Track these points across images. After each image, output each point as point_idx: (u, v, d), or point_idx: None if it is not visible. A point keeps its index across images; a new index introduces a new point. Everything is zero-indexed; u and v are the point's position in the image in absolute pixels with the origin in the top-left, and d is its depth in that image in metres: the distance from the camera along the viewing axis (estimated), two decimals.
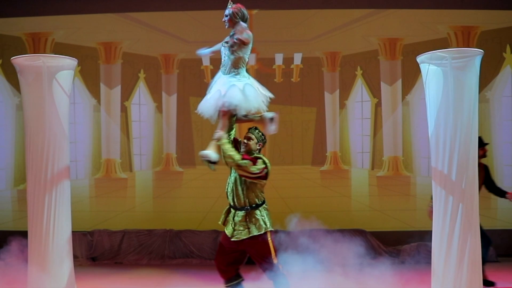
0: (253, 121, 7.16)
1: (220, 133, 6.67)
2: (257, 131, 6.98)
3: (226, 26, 7.00)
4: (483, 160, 8.38)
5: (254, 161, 6.66)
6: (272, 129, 7.12)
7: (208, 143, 7.20)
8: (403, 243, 10.86)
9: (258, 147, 6.90)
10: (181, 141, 11.50)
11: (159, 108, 11.61)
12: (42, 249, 6.48)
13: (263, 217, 6.77)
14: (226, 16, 6.98)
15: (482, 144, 8.81)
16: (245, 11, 7.06)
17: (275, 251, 6.76)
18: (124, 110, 11.61)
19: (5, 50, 11.38)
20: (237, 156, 6.59)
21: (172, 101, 11.53)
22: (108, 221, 11.32)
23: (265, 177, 6.73)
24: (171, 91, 11.58)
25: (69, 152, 6.85)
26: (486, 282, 7.39)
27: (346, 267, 10.24)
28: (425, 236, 8.95)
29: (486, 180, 8.80)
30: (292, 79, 11.51)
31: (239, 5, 7.03)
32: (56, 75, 6.59)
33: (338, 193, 11.38)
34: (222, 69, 7.07)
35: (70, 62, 6.80)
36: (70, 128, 7.13)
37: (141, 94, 11.66)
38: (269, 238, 6.73)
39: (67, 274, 6.63)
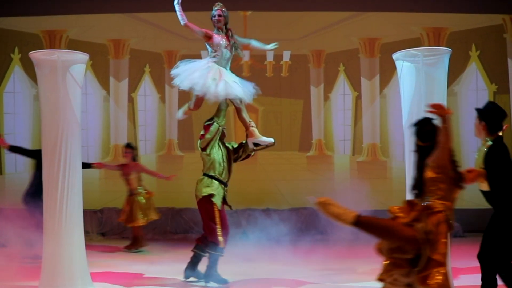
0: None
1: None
2: None
3: (217, 24, 7.06)
4: None
5: None
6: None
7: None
8: None
9: None
10: (182, 128, 11.49)
11: (162, 99, 11.60)
12: (56, 224, 6.48)
13: None
14: (224, 17, 7.06)
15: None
16: None
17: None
18: (131, 100, 11.61)
19: (24, 45, 11.34)
20: None
21: (174, 93, 11.52)
22: (116, 200, 11.29)
23: None
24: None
25: (81, 138, 6.83)
26: None
27: (330, 241, 10.32)
28: None
29: None
30: (281, 74, 11.51)
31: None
32: (69, 69, 6.56)
33: (322, 176, 11.41)
34: (226, 64, 7.10)
35: (82, 57, 6.77)
36: (82, 116, 7.10)
37: (146, 86, 11.65)
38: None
39: (79, 247, 6.65)
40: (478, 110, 5.44)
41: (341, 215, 3.15)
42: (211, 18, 7.17)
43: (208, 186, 7.02)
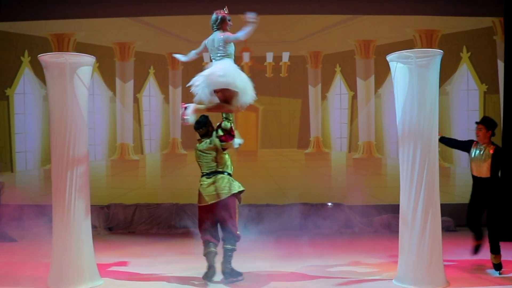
0: None
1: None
2: None
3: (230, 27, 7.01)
4: None
5: None
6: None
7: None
8: (375, 216, 10.90)
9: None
10: (185, 128, 11.47)
11: (166, 99, 11.59)
12: (65, 220, 6.49)
13: None
14: (230, 20, 7.00)
15: None
16: None
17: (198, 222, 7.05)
18: (136, 101, 11.59)
19: (34, 48, 11.34)
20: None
21: (178, 93, 11.51)
22: (122, 196, 11.33)
23: None
24: (177, 85, 11.56)
25: (88, 137, 6.83)
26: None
27: (327, 235, 10.32)
28: (394, 209, 8.99)
29: None
30: (280, 74, 11.50)
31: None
32: (77, 71, 6.56)
33: (320, 173, 11.40)
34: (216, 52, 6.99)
35: (89, 59, 6.77)
36: (89, 116, 7.10)
37: (151, 87, 11.63)
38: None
39: (86, 242, 6.65)
40: (486, 122, 7.27)
41: None
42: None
43: (234, 182, 6.91)
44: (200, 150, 7.04)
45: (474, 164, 7.30)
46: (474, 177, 7.39)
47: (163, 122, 11.58)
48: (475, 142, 7.34)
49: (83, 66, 6.66)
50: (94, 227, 7.70)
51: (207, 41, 7.01)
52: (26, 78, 11.51)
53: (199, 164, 7.07)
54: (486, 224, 7.27)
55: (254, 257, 7.83)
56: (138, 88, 11.60)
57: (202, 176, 7.01)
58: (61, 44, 11.43)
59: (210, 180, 6.90)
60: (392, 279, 6.79)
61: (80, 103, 6.58)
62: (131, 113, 11.53)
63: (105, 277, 6.91)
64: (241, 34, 6.71)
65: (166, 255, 8.62)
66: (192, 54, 7.25)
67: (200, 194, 6.97)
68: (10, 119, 11.51)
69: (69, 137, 6.49)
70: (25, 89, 11.52)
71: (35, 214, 9.40)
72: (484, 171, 7.23)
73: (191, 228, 10.70)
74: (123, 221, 11.03)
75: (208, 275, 6.77)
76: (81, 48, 11.07)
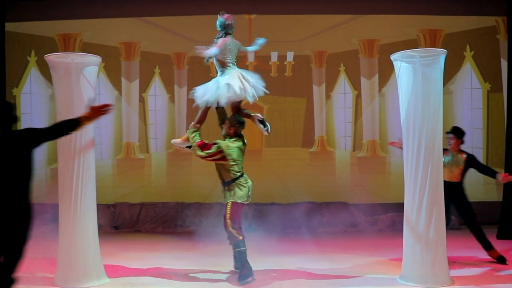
0: (250, 117, 7.14)
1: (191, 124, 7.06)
2: (233, 117, 7.01)
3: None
4: None
5: (209, 146, 6.75)
6: (261, 129, 7.00)
7: (212, 129, 7.25)
8: (380, 214, 10.89)
9: (231, 131, 6.94)
10: None
11: (171, 99, 11.59)
12: (71, 218, 6.50)
13: (230, 191, 6.85)
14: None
15: None
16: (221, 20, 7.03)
17: (231, 219, 6.77)
18: (142, 100, 11.60)
19: (40, 48, 11.35)
20: (194, 141, 6.85)
21: (183, 93, 11.51)
22: (128, 195, 11.33)
23: (223, 158, 6.75)
24: (182, 84, 11.56)
25: (94, 136, 6.84)
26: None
27: (331, 233, 10.32)
28: (398, 207, 8.98)
29: None
30: (285, 74, 11.49)
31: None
32: (83, 70, 6.57)
33: (324, 171, 11.39)
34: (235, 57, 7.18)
35: (95, 59, 6.78)
36: None
37: (157, 86, 11.63)
38: (228, 207, 6.82)
39: (93, 240, 6.66)
40: (457, 132, 7.74)
41: None
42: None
43: None
44: (242, 150, 6.93)
45: (446, 169, 7.55)
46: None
47: (168, 121, 11.59)
48: (445, 150, 7.62)
49: (89, 66, 6.67)
50: (100, 226, 7.69)
51: (228, 43, 6.97)
52: (32, 78, 11.53)
53: (236, 162, 6.81)
54: (468, 227, 7.68)
55: (258, 255, 7.82)
56: (143, 87, 11.61)
57: (243, 175, 6.91)
58: (67, 44, 11.45)
59: (250, 180, 6.97)
60: (396, 277, 6.78)
61: (86, 102, 6.58)
62: (137, 113, 11.54)
63: (111, 276, 6.91)
64: (252, 48, 7.32)
65: (171, 254, 8.62)
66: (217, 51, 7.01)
67: (244, 191, 6.85)
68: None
69: (75, 137, 6.49)
70: (31, 88, 11.54)
71: (42, 212, 9.40)
72: (455, 176, 7.67)
73: (197, 227, 10.73)
74: (129, 220, 11.03)
75: (248, 275, 6.75)
76: (87, 48, 11.09)
